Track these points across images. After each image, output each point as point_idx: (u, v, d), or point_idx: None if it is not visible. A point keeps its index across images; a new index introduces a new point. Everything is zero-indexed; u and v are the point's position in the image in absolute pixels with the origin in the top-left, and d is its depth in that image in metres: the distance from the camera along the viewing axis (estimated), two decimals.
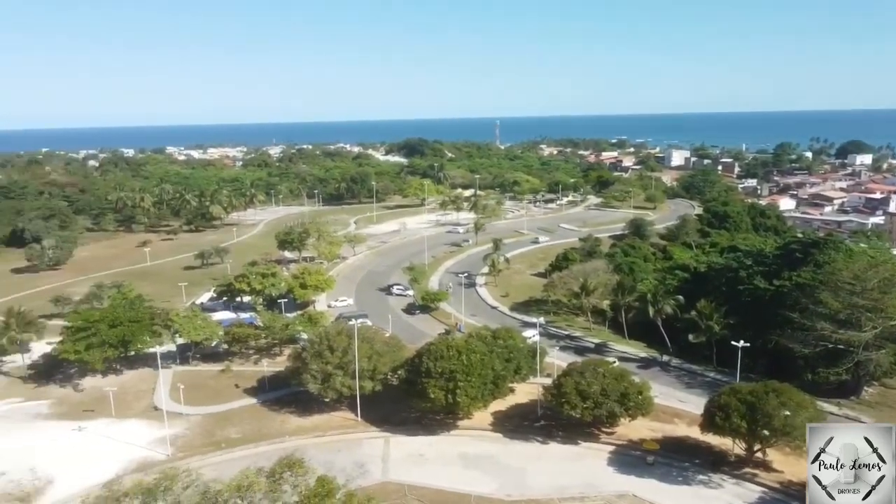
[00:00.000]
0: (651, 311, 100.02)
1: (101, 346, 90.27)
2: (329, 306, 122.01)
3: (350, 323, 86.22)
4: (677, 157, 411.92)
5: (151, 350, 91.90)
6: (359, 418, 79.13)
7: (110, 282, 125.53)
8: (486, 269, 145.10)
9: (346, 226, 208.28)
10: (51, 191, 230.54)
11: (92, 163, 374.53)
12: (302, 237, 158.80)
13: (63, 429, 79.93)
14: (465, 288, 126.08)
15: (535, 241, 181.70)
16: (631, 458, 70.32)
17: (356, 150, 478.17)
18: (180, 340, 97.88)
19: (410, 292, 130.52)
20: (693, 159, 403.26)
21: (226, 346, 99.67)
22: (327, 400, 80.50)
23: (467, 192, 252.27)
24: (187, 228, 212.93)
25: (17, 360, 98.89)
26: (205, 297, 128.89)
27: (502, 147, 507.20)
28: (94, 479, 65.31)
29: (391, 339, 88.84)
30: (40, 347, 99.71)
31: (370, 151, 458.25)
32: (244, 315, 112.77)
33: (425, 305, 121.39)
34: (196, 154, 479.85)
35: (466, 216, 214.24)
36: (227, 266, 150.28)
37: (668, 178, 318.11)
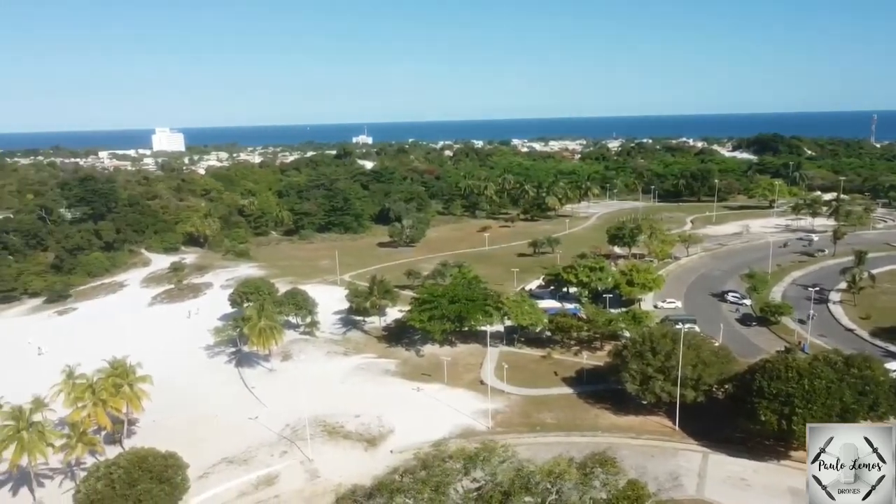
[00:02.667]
0: None
1: (441, 318, 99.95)
2: (655, 306, 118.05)
3: (676, 326, 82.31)
4: None
5: (482, 328, 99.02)
6: (676, 427, 75.27)
7: (453, 261, 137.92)
8: (843, 285, 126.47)
9: (682, 224, 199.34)
10: (412, 176, 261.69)
11: (447, 153, 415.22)
12: (634, 233, 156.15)
13: (405, 387, 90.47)
14: (815, 304, 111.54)
15: None
16: None
17: (699, 145, 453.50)
18: (508, 322, 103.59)
19: (747, 301, 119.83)
20: None
21: (549, 334, 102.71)
22: (644, 402, 78.08)
23: (827, 196, 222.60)
24: (524, 217, 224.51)
25: (375, 322, 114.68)
26: (533, 285, 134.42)
27: (878, 145, 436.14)
28: (425, 436, 72.68)
29: (720, 350, 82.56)
30: (394, 313, 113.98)
31: (715, 147, 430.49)
32: (569, 306, 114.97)
33: (764, 317, 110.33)
34: (538, 146, 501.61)
35: (824, 223, 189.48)
36: (556, 256, 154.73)
37: None
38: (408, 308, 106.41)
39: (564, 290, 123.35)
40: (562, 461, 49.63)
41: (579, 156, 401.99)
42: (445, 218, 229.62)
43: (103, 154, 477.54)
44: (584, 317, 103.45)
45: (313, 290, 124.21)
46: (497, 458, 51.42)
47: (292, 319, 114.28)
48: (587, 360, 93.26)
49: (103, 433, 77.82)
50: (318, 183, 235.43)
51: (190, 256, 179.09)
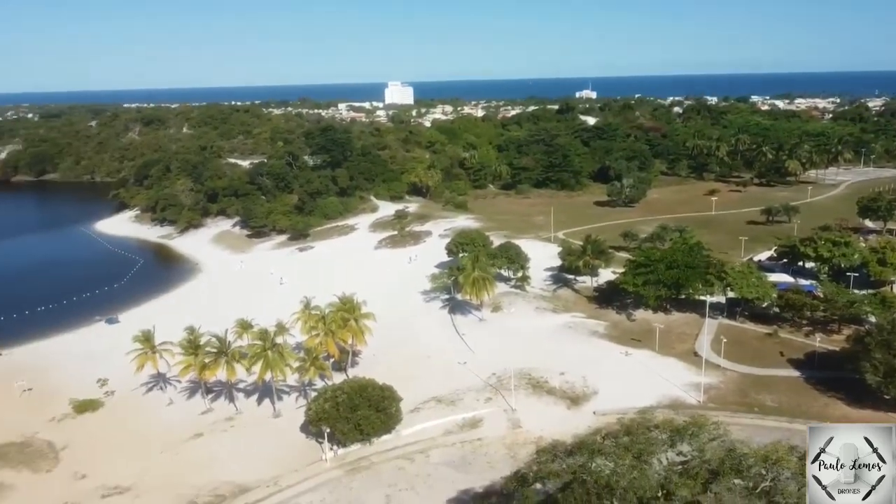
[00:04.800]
0: None
1: (656, 283, 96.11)
2: None
3: None
4: None
5: (701, 297, 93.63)
6: None
7: (674, 225, 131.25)
8: None
9: None
10: (636, 134, 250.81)
11: (676, 109, 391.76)
12: (891, 206, 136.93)
13: (612, 350, 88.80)
14: None
15: None
16: None
17: None
18: (730, 294, 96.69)
19: None
20: None
21: (776, 310, 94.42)
22: (887, 397, 69.21)
23: None
24: (758, 182, 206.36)
25: (587, 282, 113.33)
26: (763, 256, 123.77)
27: None
28: (630, 402, 71.01)
29: None
30: (606, 274, 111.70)
31: None
32: (803, 282, 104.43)
33: None
34: (780, 104, 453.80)
35: None
36: (793, 226, 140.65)
37: None
38: (622, 270, 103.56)
39: (800, 264, 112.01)
40: (780, 447, 45.65)
41: (830, 115, 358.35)
42: (669, 179, 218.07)
43: (342, 106, 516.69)
44: (821, 295, 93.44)
45: (526, 245, 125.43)
46: (707, 434, 48.66)
47: (504, 272, 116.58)
48: (820, 342, 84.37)
49: (331, 360, 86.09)
50: (537, 138, 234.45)
51: (413, 205, 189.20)
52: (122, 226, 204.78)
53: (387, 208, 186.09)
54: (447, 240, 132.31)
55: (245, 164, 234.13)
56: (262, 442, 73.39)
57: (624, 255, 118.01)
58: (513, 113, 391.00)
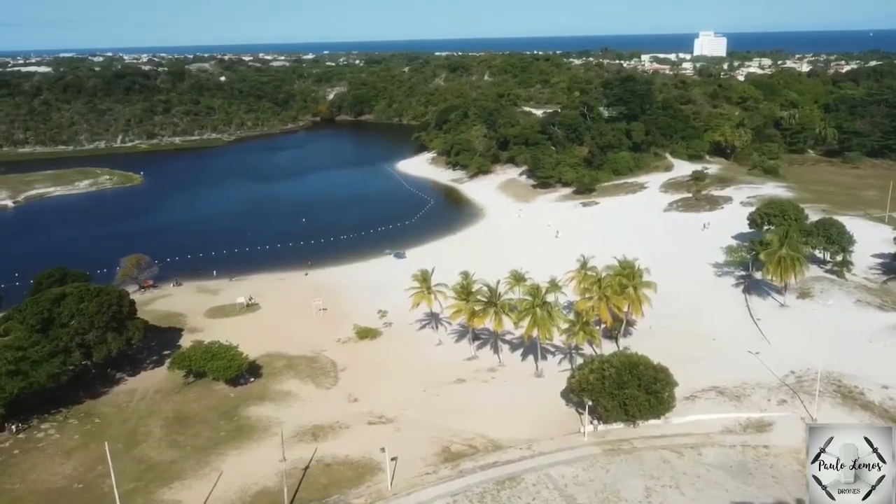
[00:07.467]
0: None
1: None
2: None
3: None
4: None
5: None
6: None
7: None
8: None
9: None
10: None
11: None
12: None
13: None
14: None
15: None
16: None
17: None
18: None
19: None
20: None
21: None
22: None
23: None
24: None
25: None
26: None
27: None
28: None
29: None
30: None
31: None
32: None
33: None
34: None
35: None
36: None
37: None
38: None
39: None
40: None
41: None
42: None
43: (645, 57, 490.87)
44: None
45: (851, 223, 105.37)
46: None
47: (818, 254, 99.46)
48: None
49: (602, 327, 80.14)
50: (879, 98, 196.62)
51: (713, 167, 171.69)
52: (419, 167, 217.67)
53: (682, 168, 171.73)
54: (750, 208, 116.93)
55: (539, 112, 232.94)
56: (520, 400, 70.80)
57: None
58: (847, 68, 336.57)
